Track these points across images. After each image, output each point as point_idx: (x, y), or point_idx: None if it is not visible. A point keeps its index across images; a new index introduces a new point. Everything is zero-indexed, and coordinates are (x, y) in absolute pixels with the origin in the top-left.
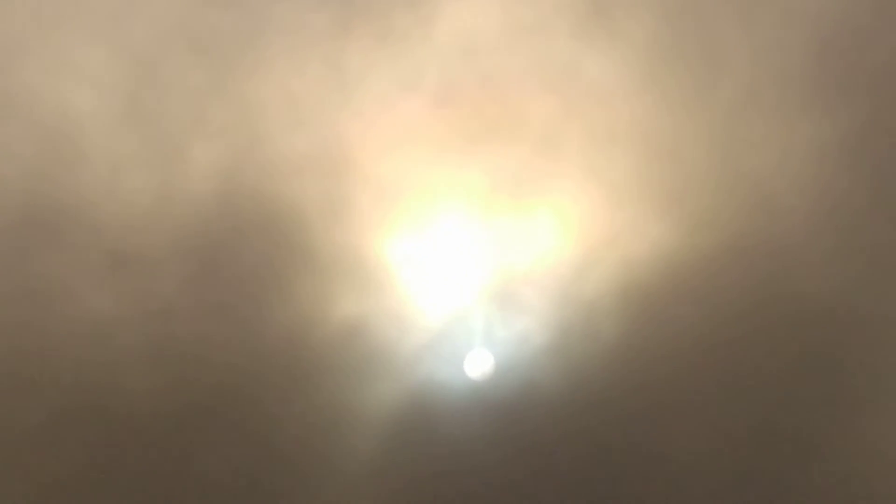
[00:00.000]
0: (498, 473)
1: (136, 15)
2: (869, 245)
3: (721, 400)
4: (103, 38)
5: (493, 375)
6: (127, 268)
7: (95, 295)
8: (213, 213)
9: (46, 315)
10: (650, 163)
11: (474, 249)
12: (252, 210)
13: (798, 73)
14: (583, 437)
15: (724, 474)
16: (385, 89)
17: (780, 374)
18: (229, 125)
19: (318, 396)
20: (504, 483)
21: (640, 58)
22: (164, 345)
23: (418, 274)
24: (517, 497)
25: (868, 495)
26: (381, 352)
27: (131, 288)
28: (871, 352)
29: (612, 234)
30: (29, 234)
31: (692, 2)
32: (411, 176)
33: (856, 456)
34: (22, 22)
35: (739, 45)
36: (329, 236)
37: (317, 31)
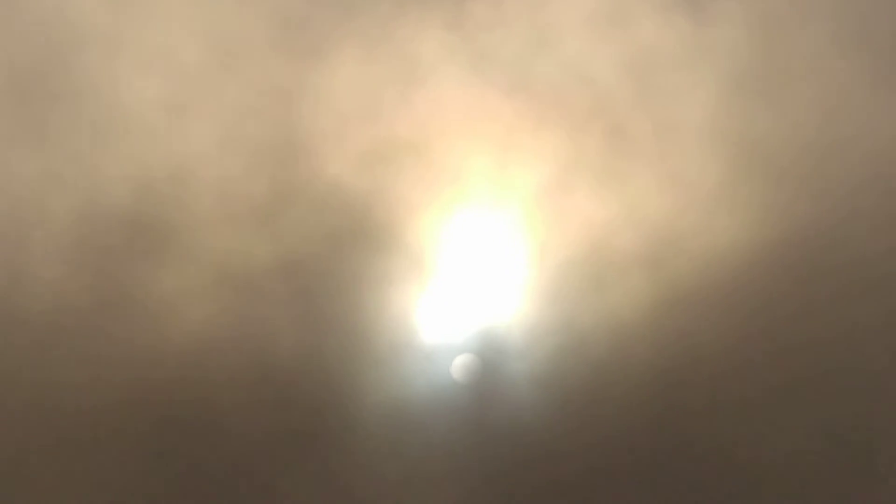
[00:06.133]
0: (575, 460)
1: (221, 6)
2: None
3: (801, 399)
4: (197, 33)
5: (563, 363)
6: (229, 285)
7: (197, 312)
8: (310, 224)
9: (148, 330)
10: (730, 159)
11: (546, 234)
12: (342, 212)
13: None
14: (662, 426)
15: (807, 474)
16: (458, 77)
17: (864, 371)
18: (312, 121)
19: (407, 397)
20: (584, 471)
21: (727, 49)
22: (263, 365)
23: (494, 261)
24: (601, 483)
25: None
26: (464, 349)
27: (233, 305)
28: None
29: (688, 228)
30: (135, 249)
31: None
32: (484, 163)
33: None
34: (119, 17)
35: (832, 40)
36: (410, 231)
37: (390, 19)
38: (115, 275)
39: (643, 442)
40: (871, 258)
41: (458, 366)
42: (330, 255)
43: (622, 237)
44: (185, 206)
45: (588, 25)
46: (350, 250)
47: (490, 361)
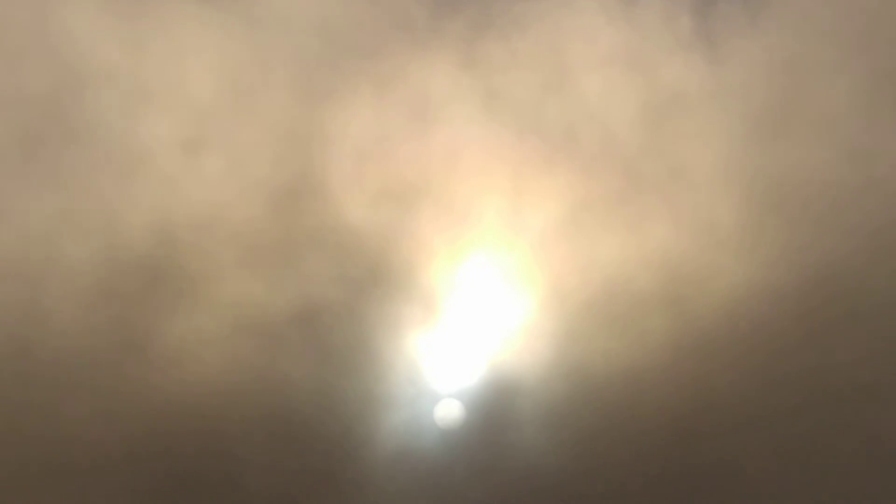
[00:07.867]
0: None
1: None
2: None
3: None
4: (214, 74)
5: (577, 407)
6: (246, 331)
7: (214, 358)
8: (326, 268)
9: (164, 373)
10: (747, 200)
11: (559, 276)
12: (358, 255)
13: None
14: (676, 469)
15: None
16: (470, 118)
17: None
18: (327, 163)
19: (422, 440)
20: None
21: (746, 90)
22: (279, 408)
23: (507, 304)
24: None
25: None
26: (477, 392)
27: (249, 351)
28: None
29: (703, 268)
30: (152, 294)
31: (803, 24)
32: (496, 203)
33: None
34: (135, 55)
35: (855, 83)
36: (424, 274)
37: (405, 61)
38: (132, 319)
39: (657, 485)
40: (892, 299)
41: (472, 410)
42: (346, 300)
43: (636, 278)
44: (202, 251)
45: (603, 66)
46: (366, 294)
47: (503, 405)
